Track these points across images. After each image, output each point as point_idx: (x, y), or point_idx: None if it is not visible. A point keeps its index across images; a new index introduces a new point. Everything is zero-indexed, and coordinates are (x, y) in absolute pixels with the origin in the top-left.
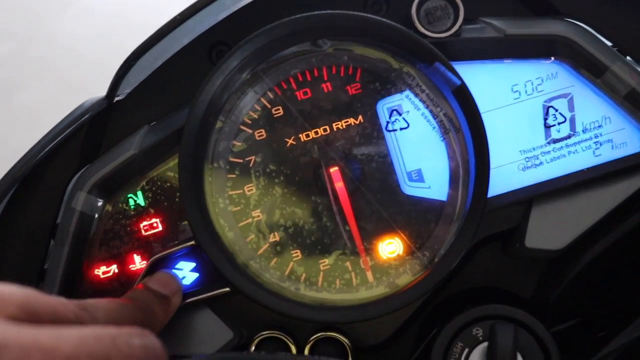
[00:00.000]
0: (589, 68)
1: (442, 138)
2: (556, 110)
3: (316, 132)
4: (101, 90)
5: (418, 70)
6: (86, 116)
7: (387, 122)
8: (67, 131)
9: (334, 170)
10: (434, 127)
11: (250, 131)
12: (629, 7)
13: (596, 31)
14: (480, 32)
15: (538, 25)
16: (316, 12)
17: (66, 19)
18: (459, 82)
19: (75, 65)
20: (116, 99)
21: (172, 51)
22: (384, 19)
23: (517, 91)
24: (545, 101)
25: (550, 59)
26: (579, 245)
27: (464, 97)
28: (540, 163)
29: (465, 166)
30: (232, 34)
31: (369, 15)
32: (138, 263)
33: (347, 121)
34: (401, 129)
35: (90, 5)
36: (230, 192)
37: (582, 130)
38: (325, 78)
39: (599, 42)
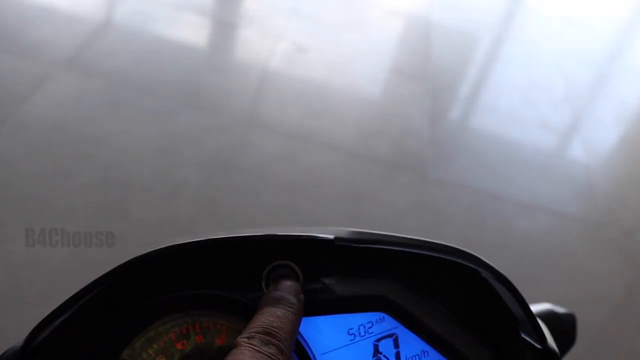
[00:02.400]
0: (405, 319)
1: None
2: (384, 348)
3: None
4: (35, 204)
5: None
6: None
7: None
8: None
9: None
10: None
11: None
12: (431, 263)
13: (411, 283)
14: (319, 293)
15: (363, 286)
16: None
17: (3, 134)
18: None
19: (12, 182)
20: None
21: None
22: (240, 298)
23: (352, 334)
24: (374, 341)
25: (376, 311)
26: None
27: (301, 354)
28: None
29: None
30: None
31: (228, 295)
32: None
33: None
34: None
35: (27, 121)
36: None
37: None
38: (198, 331)
39: (412, 299)
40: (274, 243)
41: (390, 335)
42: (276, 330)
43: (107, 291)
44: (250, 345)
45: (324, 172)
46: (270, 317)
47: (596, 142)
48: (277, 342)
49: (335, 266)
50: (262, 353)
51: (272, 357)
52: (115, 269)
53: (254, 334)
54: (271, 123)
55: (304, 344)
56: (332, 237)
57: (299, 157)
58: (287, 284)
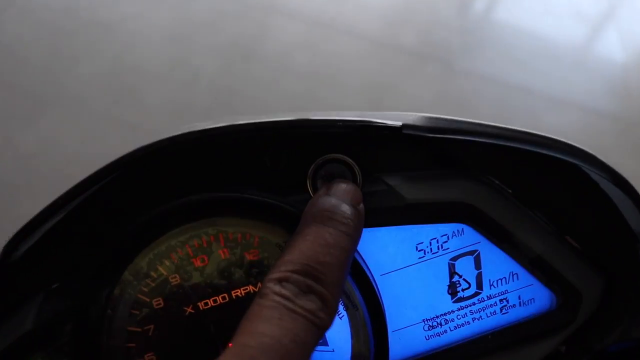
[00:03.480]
0: (493, 233)
1: (342, 314)
2: (462, 269)
3: (215, 301)
4: (44, 92)
5: None
6: None
7: None
8: None
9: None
10: None
11: (148, 299)
12: (528, 160)
13: (503, 185)
14: (380, 199)
15: (438, 189)
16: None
17: (6, 18)
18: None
19: (20, 70)
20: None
21: None
22: (281, 204)
23: (421, 250)
24: (450, 259)
25: (454, 222)
26: None
27: (359, 277)
28: (446, 325)
29: (365, 338)
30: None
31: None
32: None
33: (247, 289)
34: None
35: (33, 3)
36: None
37: (489, 288)
38: (222, 244)
39: (503, 207)
40: (322, 130)
41: (470, 253)
42: (321, 268)
43: (106, 192)
44: (280, 298)
45: (347, 60)
46: (315, 244)
47: (634, 35)
48: (321, 288)
49: (402, 163)
50: (296, 313)
51: (310, 316)
52: (115, 161)
53: (289, 273)
54: (291, 9)
55: (360, 262)
56: (399, 124)
57: (321, 44)
58: (342, 187)
